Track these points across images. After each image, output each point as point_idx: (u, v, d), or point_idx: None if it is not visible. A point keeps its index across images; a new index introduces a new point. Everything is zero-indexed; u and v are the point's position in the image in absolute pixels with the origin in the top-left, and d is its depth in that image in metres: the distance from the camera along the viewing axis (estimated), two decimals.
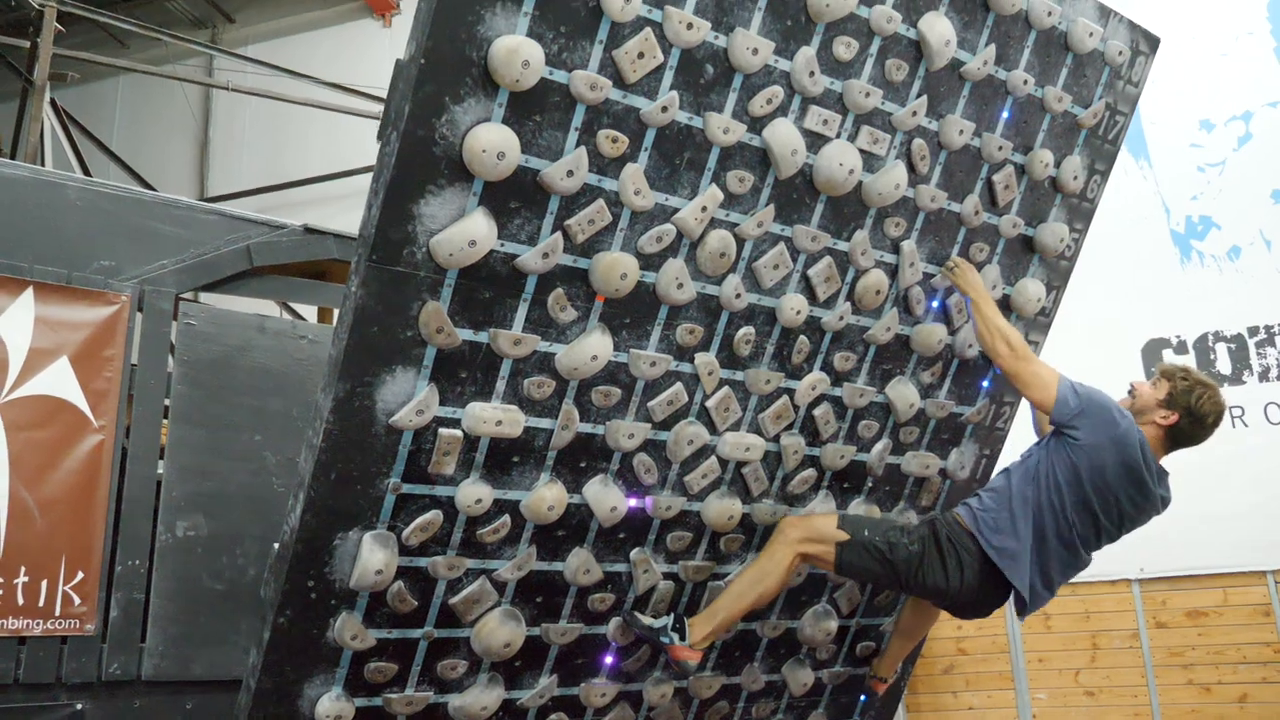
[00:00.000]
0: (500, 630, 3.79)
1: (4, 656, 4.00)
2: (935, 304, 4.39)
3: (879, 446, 4.49)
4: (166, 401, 4.55)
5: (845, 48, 3.75)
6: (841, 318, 4.14)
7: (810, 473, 4.35)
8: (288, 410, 4.76)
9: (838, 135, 3.86)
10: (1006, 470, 4.09)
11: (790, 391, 4.17)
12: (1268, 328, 7.21)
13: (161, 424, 4.53)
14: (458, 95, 3.15)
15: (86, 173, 8.62)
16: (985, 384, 4.67)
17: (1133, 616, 7.11)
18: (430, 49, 3.06)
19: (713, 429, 4.03)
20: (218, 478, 4.57)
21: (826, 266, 4.03)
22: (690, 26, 3.40)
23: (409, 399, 3.39)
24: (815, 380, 4.19)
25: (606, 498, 3.85)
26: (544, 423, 3.68)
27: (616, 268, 3.54)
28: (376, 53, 10.52)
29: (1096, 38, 4.28)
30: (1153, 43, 4.53)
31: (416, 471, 3.51)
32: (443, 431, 3.48)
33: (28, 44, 8.32)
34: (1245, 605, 6.89)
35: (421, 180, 3.19)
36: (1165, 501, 3.98)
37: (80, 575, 4.18)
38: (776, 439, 4.22)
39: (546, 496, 3.72)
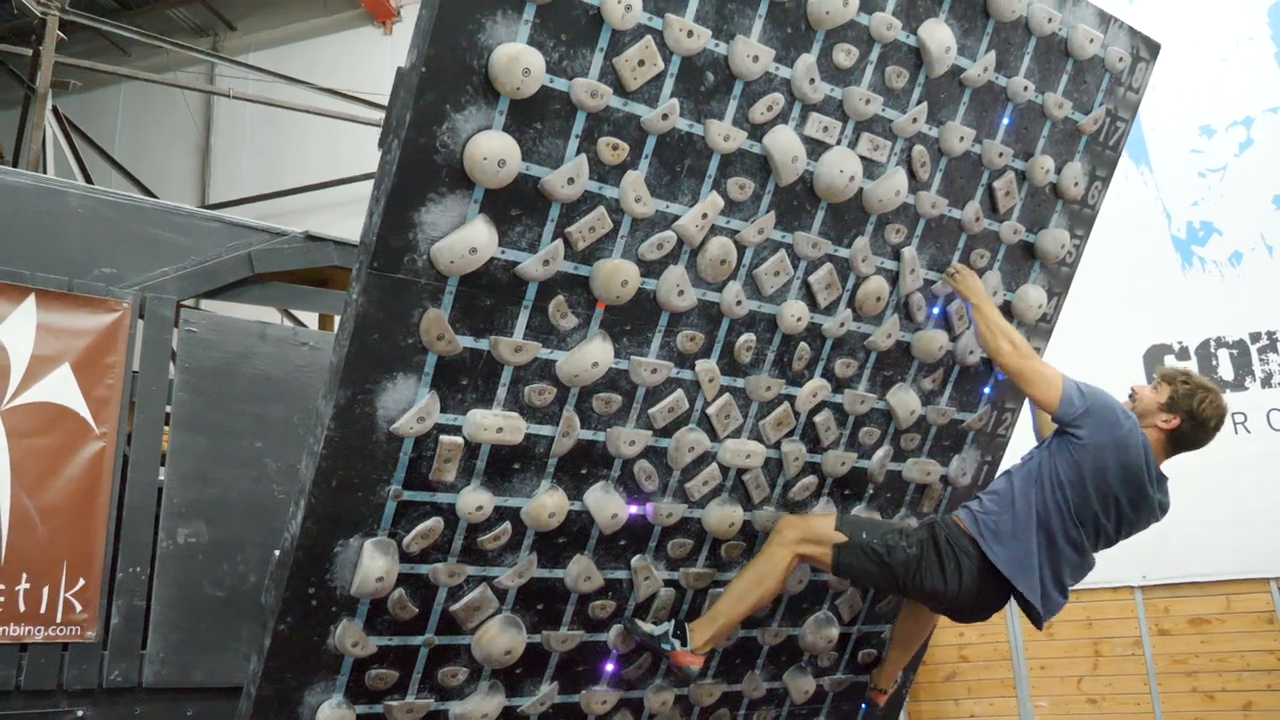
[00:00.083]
0: (501, 637, 3.79)
1: (5, 663, 4.00)
2: (936, 310, 4.39)
3: (880, 453, 4.48)
4: (168, 408, 4.55)
5: (845, 55, 3.75)
6: (842, 324, 4.14)
7: (811, 479, 4.35)
8: (289, 417, 4.76)
9: (838, 142, 3.87)
10: (1008, 472, 4.08)
11: (791, 398, 4.17)
12: (1270, 333, 7.20)
13: (163, 431, 4.53)
14: (459, 103, 3.16)
15: (88, 180, 8.65)
16: (987, 390, 4.67)
17: (1135, 624, 7.09)
18: (431, 57, 3.07)
19: (714, 436, 4.03)
20: (219, 484, 4.57)
21: (827, 273, 4.04)
22: (691, 34, 3.41)
23: (410, 406, 3.40)
24: (816, 387, 4.19)
25: (607, 504, 3.85)
26: (545, 430, 3.68)
27: (617, 275, 3.54)
28: (377, 60, 10.53)
29: (1097, 44, 4.29)
30: (1153, 49, 4.53)
31: (417, 478, 3.51)
32: (444, 438, 3.48)
33: (30, 52, 8.35)
34: (1249, 612, 6.88)
35: (423, 188, 3.19)
36: (1164, 507, 3.97)
37: (81, 582, 4.18)
38: (777, 446, 4.21)
39: (547, 503, 3.72)
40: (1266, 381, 7.14)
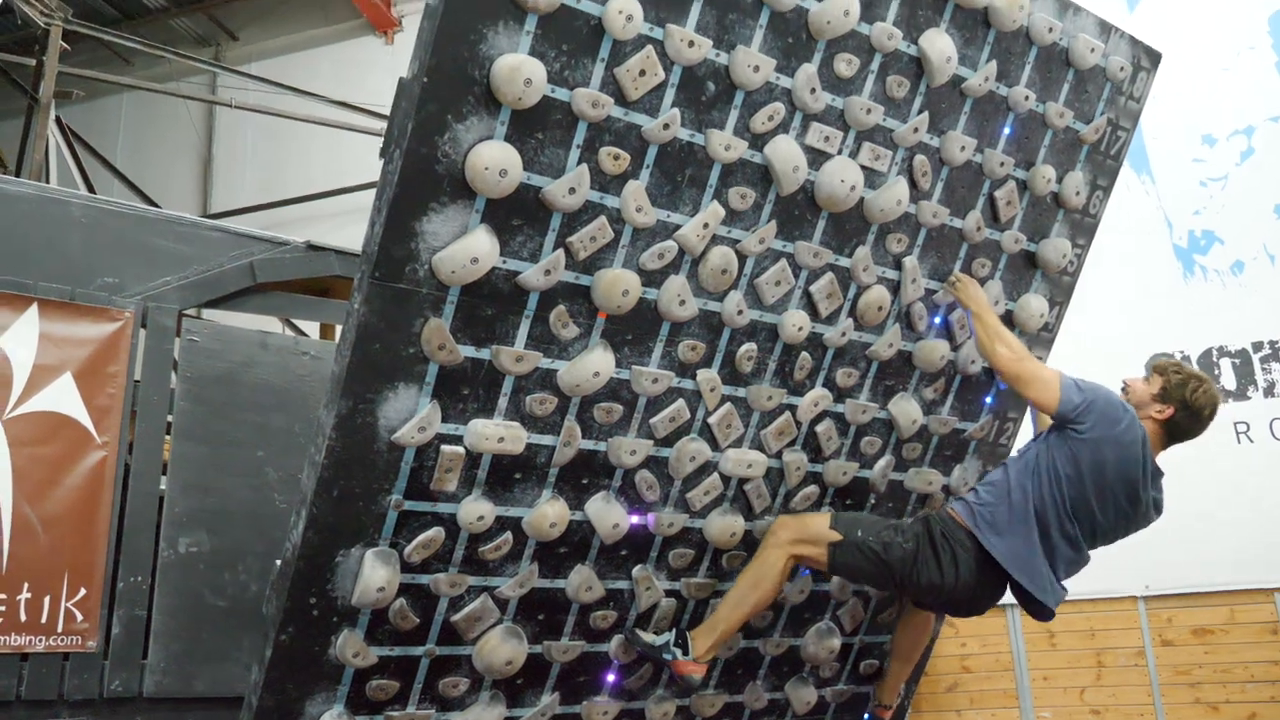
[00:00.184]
0: (502, 648, 3.78)
1: (6, 673, 4.00)
2: (937, 320, 4.39)
3: (882, 463, 4.48)
4: (169, 418, 4.55)
5: (846, 64, 3.76)
6: (844, 334, 4.14)
7: (813, 489, 4.35)
8: (290, 427, 4.76)
9: (839, 152, 3.87)
10: (1004, 464, 4.09)
11: (792, 408, 4.17)
12: (1272, 342, 7.19)
13: (164, 440, 4.53)
14: (460, 113, 3.16)
15: (91, 189, 8.66)
16: (988, 400, 4.67)
17: (1138, 634, 7.07)
18: (433, 67, 3.08)
19: (715, 445, 4.03)
20: (220, 494, 4.57)
21: (828, 283, 4.04)
22: (691, 44, 3.41)
23: (411, 416, 3.39)
24: (817, 396, 4.19)
25: (608, 514, 3.85)
26: (546, 439, 3.67)
27: (618, 284, 3.55)
28: (379, 70, 10.54)
29: (1098, 54, 4.29)
30: (1154, 58, 4.54)
31: (418, 488, 3.51)
32: (445, 448, 3.48)
33: (33, 62, 8.37)
34: (1252, 623, 6.85)
35: (424, 197, 3.20)
36: (1158, 505, 3.98)
37: (83, 592, 4.18)
38: (779, 455, 4.21)
39: (548, 513, 3.72)
40: (1269, 390, 7.13)
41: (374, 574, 3.46)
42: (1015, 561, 3.87)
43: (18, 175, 7.80)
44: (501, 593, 3.78)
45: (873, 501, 4.53)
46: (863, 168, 3.91)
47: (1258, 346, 7.20)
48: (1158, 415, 3.89)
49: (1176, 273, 7.51)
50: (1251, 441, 7.05)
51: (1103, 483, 3.81)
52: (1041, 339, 4.69)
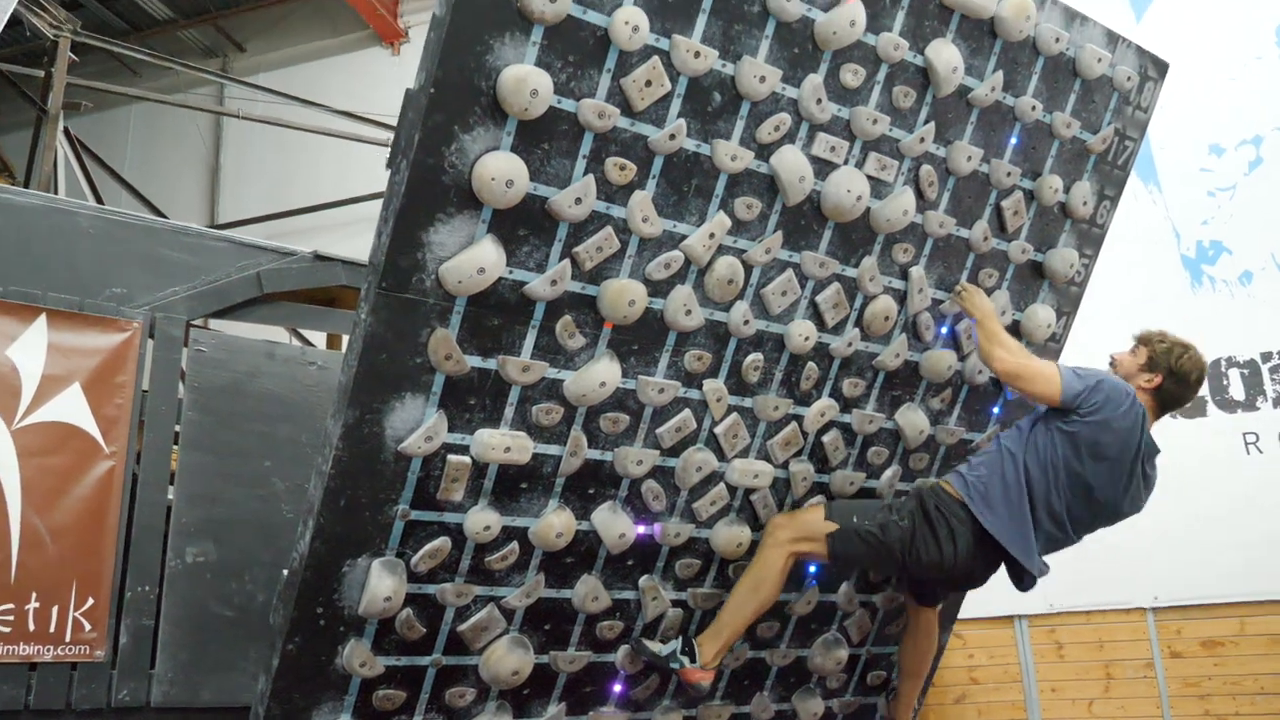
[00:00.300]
0: (508, 658, 3.78)
1: (14, 683, 3.99)
2: (944, 330, 4.39)
3: (888, 473, 4.47)
4: (177, 428, 4.56)
5: (853, 75, 3.76)
6: (850, 344, 4.14)
7: (819, 500, 4.33)
8: (297, 437, 4.76)
9: (845, 162, 3.87)
10: (998, 437, 4.11)
11: (799, 418, 4.16)
12: None
13: (172, 450, 4.54)
14: (467, 124, 3.17)
15: (99, 200, 8.69)
16: (995, 410, 4.66)
17: (1147, 646, 7.04)
18: (440, 78, 3.09)
19: (721, 455, 4.03)
20: (227, 504, 4.57)
21: (835, 293, 4.04)
22: (697, 54, 3.42)
23: (418, 426, 3.40)
24: (824, 407, 4.19)
25: (615, 524, 3.85)
26: (552, 449, 3.68)
27: (625, 294, 3.55)
28: (385, 81, 10.54)
29: (1105, 63, 4.29)
30: (1161, 68, 4.54)
31: (425, 498, 3.51)
32: (451, 458, 3.48)
33: (42, 73, 8.40)
34: (1262, 635, 6.81)
35: (431, 208, 3.21)
36: (1150, 483, 4.00)
37: (91, 601, 4.18)
38: (785, 465, 4.21)
39: (555, 523, 3.71)
40: (1278, 401, 7.10)
41: (381, 584, 3.46)
42: (1007, 534, 3.90)
43: (26, 186, 7.82)
44: (508, 603, 3.78)
45: None
46: (869, 178, 3.92)
47: (1266, 357, 7.17)
48: (1146, 385, 3.93)
49: (1184, 283, 7.49)
50: (1261, 452, 7.02)
51: (1101, 464, 3.84)
52: (1049, 349, 4.68)
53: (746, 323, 3.86)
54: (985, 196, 4.28)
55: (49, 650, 4.07)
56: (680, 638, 4.07)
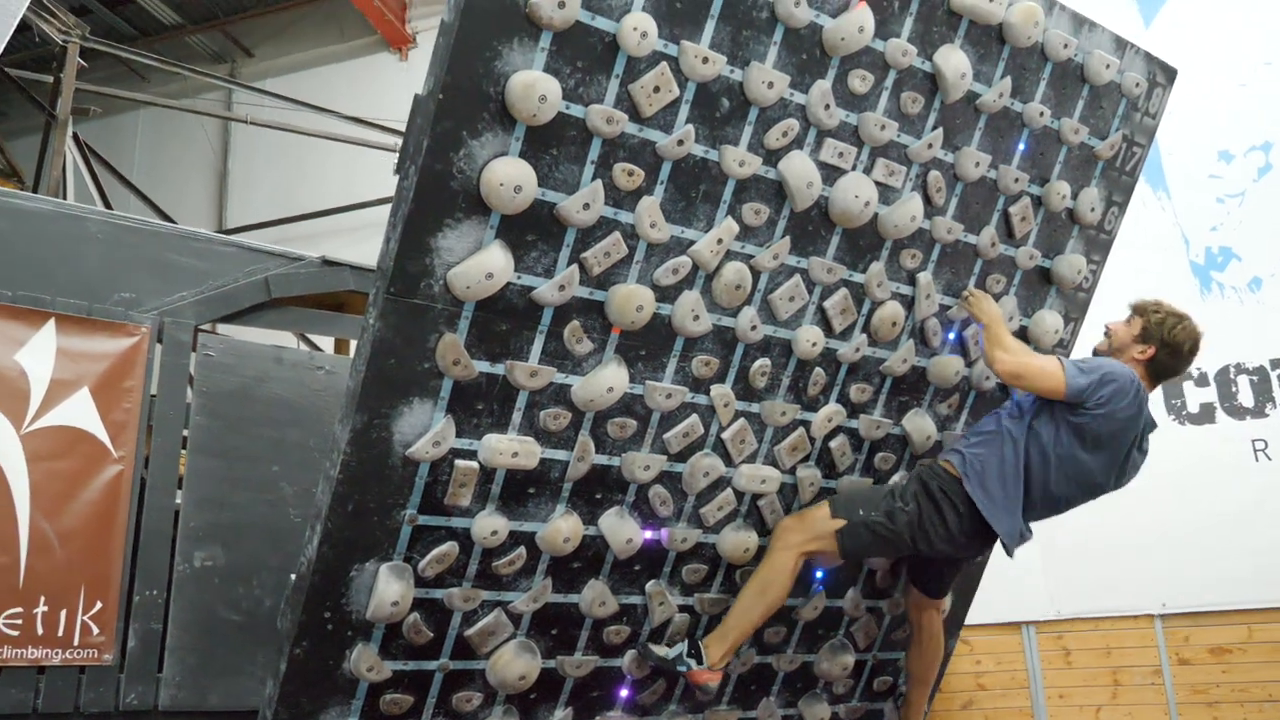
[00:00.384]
0: (515, 662, 3.78)
1: (23, 686, 4.00)
2: (952, 336, 4.39)
3: (896, 479, 4.47)
4: (185, 432, 4.57)
5: (860, 81, 3.76)
6: (858, 349, 4.14)
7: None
8: (305, 441, 4.77)
9: (853, 168, 3.87)
10: (997, 413, 4.13)
11: (806, 423, 4.16)
12: None
13: (180, 455, 4.55)
14: (475, 129, 3.18)
15: (107, 205, 8.71)
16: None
17: (1155, 652, 7.01)
18: (448, 84, 3.09)
19: (728, 461, 4.03)
20: (235, 508, 4.57)
21: (842, 298, 4.04)
22: (706, 60, 3.42)
23: (426, 431, 3.40)
24: (831, 412, 4.18)
25: (622, 529, 3.85)
26: (560, 454, 3.68)
27: (632, 300, 3.55)
28: (393, 86, 10.57)
29: (1113, 69, 4.29)
30: (1170, 74, 4.53)
31: (433, 503, 3.51)
32: (459, 463, 3.49)
33: (51, 79, 8.43)
34: (1271, 642, 6.79)
35: (439, 213, 3.21)
36: (1144, 455, 4.06)
37: (99, 605, 4.19)
38: (792, 471, 4.20)
39: (562, 528, 3.72)
40: None
41: (388, 588, 3.46)
42: (996, 517, 3.95)
43: (35, 191, 7.85)
44: (515, 607, 3.78)
45: None
46: (877, 183, 3.92)
47: (1275, 364, 7.15)
48: (1140, 356, 3.96)
49: (1193, 289, 7.47)
50: (1269, 459, 7.00)
51: (1105, 451, 3.91)
52: (1056, 356, 4.67)
53: (754, 328, 3.86)
54: (993, 202, 4.28)
55: (57, 654, 4.08)
56: (686, 640, 4.07)
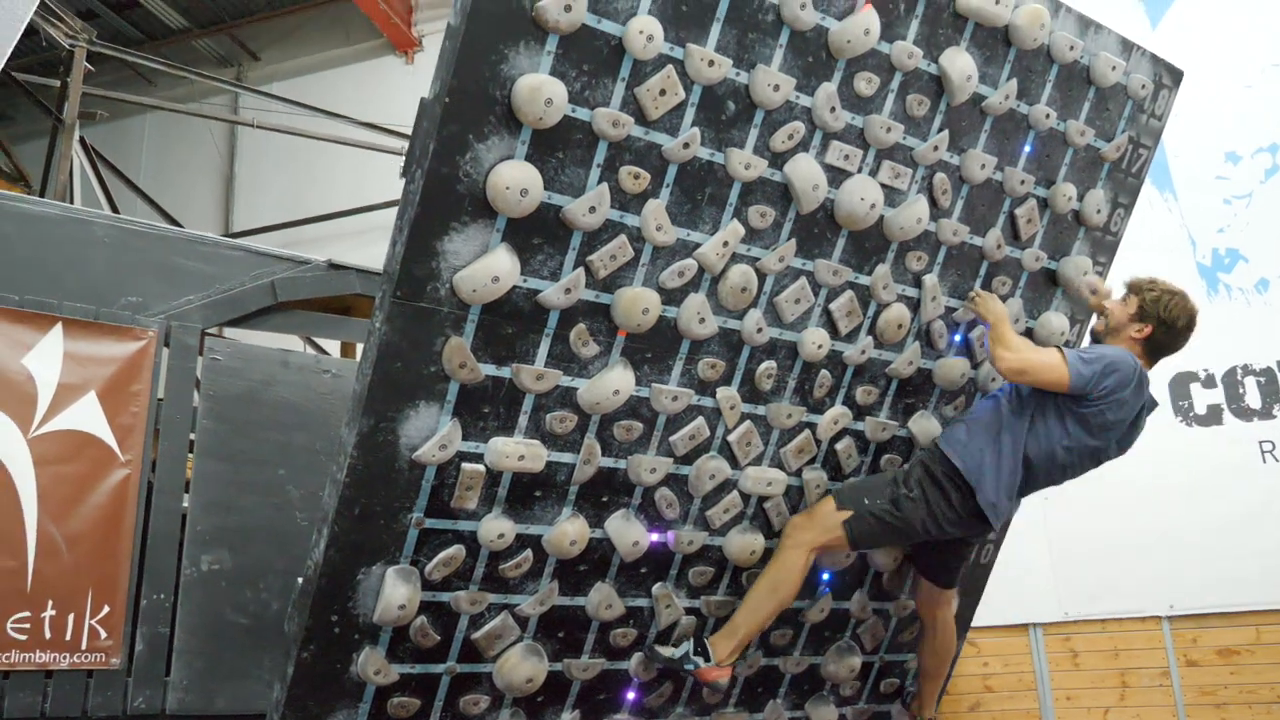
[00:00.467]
0: (522, 665, 3.78)
1: (30, 690, 4.01)
2: (957, 338, 4.38)
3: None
4: (192, 436, 4.57)
5: (866, 83, 3.76)
6: (863, 352, 4.14)
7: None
8: (311, 445, 4.77)
9: (859, 170, 3.87)
10: (995, 397, 4.12)
11: (812, 426, 4.16)
12: None
13: (187, 458, 4.56)
14: (481, 133, 3.18)
15: (114, 210, 8.71)
16: None
17: (1163, 654, 7.00)
18: (454, 88, 3.10)
19: (734, 463, 4.03)
20: (242, 512, 4.58)
21: (848, 301, 4.03)
22: (712, 63, 3.42)
23: (432, 434, 3.41)
24: (837, 414, 4.18)
25: (628, 532, 3.85)
26: (566, 457, 3.68)
27: (638, 303, 3.55)
28: (399, 89, 10.58)
29: (1119, 71, 4.28)
30: (1176, 76, 4.53)
31: (439, 506, 3.52)
32: (465, 466, 3.49)
33: (58, 83, 8.45)
34: (1278, 643, 6.78)
35: (446, 217, 3.22)
36: (1139, 430, 4.10)
37: (106, 609, 4.19)
38: (798, 473, 4.20)
39: (569, 531, 3.72)
40: None
41: (395, 592, 3.47)
42: (992, 506, 3.98)
43: (42, 196, 7.86)
44: (522, 610, 3.78)
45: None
46: (883, 186, 3.92)
47: None
48: (1137, 335, 3.98)
49: (1200, 291, 7.45)
50: (1277, 460, 6.99)
51: (1110, 433, 3.94)
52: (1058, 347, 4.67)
53: (760, 330, 3.86)
54: (999, 204, 4.28)
55: (65, 658, 4.09)
56: (691, 640, 4.06)
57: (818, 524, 4.04)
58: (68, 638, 4.09)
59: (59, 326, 4.24)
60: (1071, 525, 7.06)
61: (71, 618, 4.11)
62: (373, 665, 3.54)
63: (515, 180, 3.21)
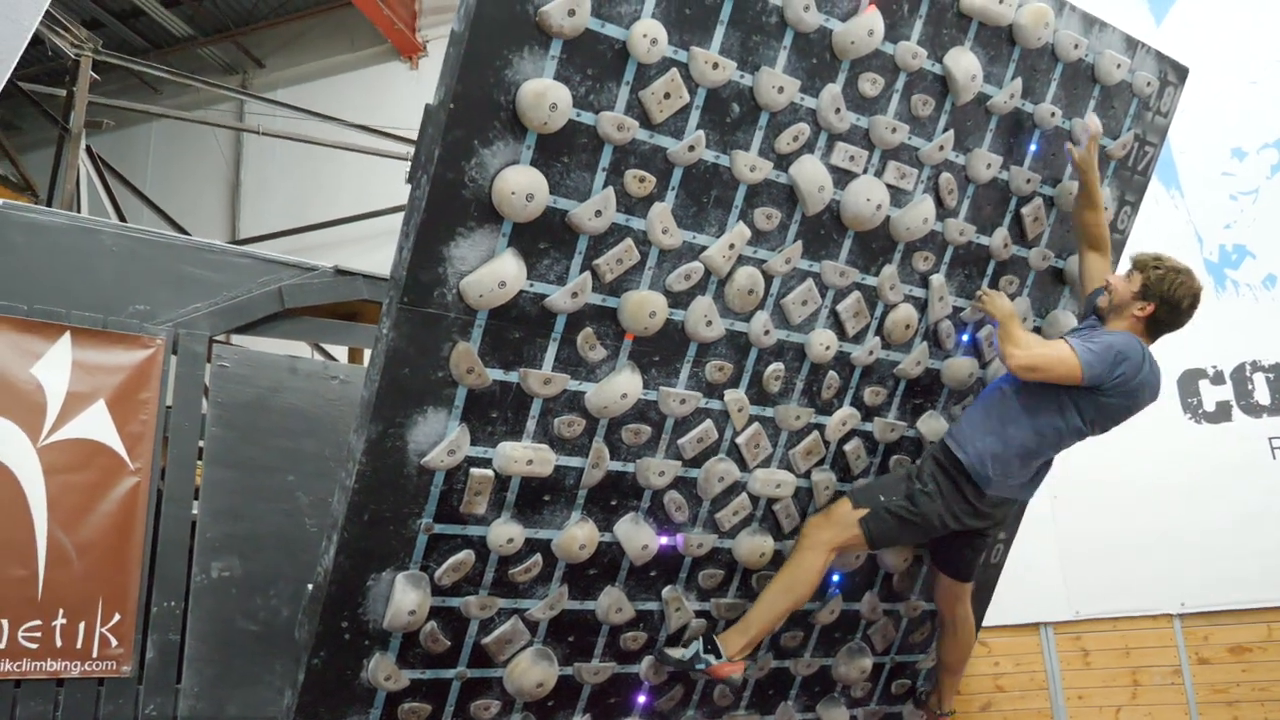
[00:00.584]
0: (533, 670, 3.78)
1: (42, 698, 4.02)
2: (965, 337, 4.38)
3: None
4: (200, 443, 4.58)
5: (871, 84, 3.76)
6: (871, 352, 4.13)
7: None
8: (320, 451, 4.78)
9: (864, 171, 3.87)
10: (999, 389, 4.10)
11: (821, 427, 4.16)
12: None
13: (196, 466, 4.56)
14: (486, 138, 3.18)
15: (121, 218, 8.75)
16: None
17: (1174, 652, 6.98)
18: (459, 93, 3.10)
19: (743, 466, 4.02)
20: (251, 519, 4.59)
21: (855, 301, 4.03)
22: (716, 66, 3.42)
23: (440, 439, 3.41)
24: (846, 416, 4.18)
25: (638, 536, 3.85)
26: (574, 461, 3.68)
27: (645, 306, 3.55)
28: (404, 95, 10.60)
29: (1124, 69, 4.28)
30: (1181, 73, 4.52)
31: (448, 511, 3.52)
32: (474, 471, 3.49)
33: (64, 92, 8.47)
34: None
35: (452, 222, 3.22)
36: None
37: (117, 617, 4.20)
38: (807, 475, 4.20)
39: (578, 535, 3.72)
40: None
41: (405, 597, 3.47)
42: (995, 491, 4.01)
43: (49, 205, 7.88)
44: (532, 615, 3.78)
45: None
46: (888, 186, 3.91)
47: None
48: (1140, 312, 3.96)
49: (1208, 287, 7.42)
50: None
51: (1125, 412, 3.96)
52: (1064, 339, 4.66)
53: (767, 333, 3.86)
54: (1005, 204, 4.27)
55: (76, 666, 4.10)
56: (700, 639, 4.05)
57: (835, 524, 4.03)
58: (79, 646, 4.10)
59: (67, 335, 4.26)
60: (1081, 524, 7.05)
61: (82, 626, 4.12)
62: (383, 671, 3.55)
63: (521, 185, 3.21)
